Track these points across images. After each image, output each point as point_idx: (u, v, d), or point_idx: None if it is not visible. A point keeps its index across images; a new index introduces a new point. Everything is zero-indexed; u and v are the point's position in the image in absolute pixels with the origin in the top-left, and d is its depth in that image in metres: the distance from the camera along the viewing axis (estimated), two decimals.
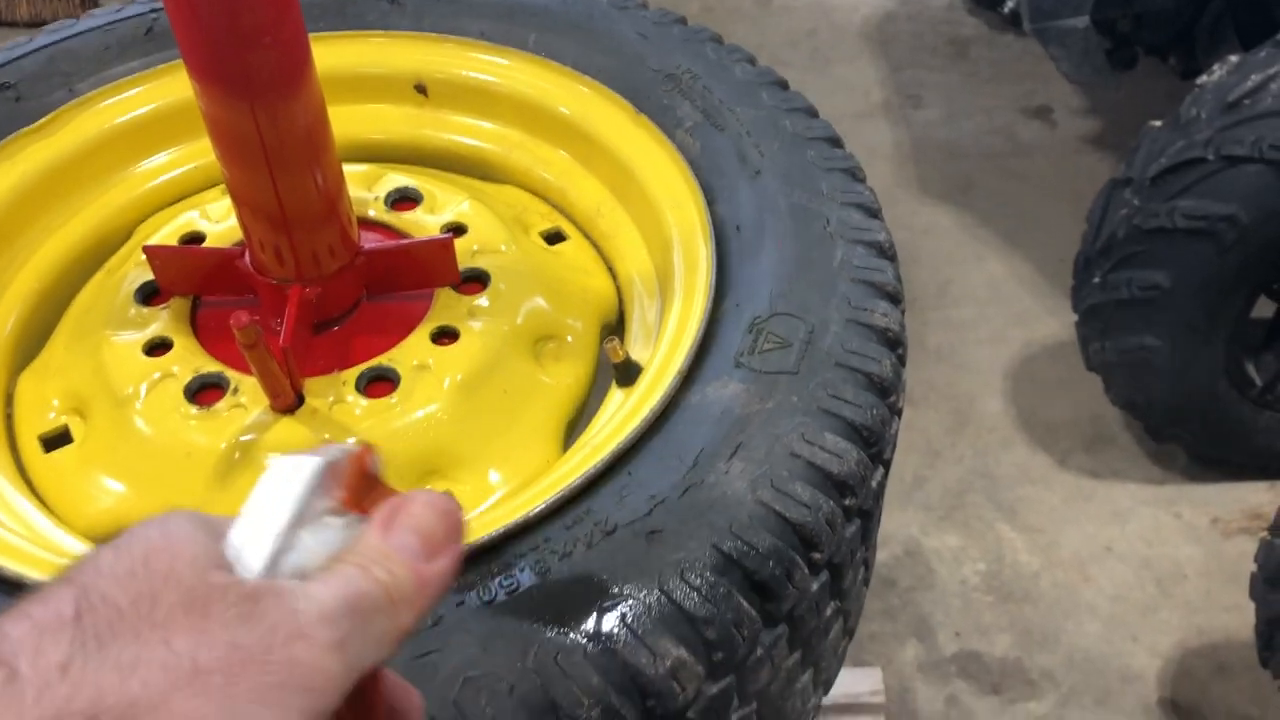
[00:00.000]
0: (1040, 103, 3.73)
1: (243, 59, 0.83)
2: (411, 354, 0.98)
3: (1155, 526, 2.52)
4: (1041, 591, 2.46)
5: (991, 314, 3.08)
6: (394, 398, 0.95)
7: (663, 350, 0.96)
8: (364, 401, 0.95)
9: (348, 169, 1.14)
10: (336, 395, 0.95)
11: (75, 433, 0.98)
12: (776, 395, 0.86)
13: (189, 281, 1.03)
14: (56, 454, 0.97)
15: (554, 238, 1.18)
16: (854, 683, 1.98)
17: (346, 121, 1.24)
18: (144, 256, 1.02)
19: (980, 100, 3.72)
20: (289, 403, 0.93)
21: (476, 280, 1.06)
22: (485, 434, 0.96)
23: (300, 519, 0.44)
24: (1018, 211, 3.40)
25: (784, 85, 1.16)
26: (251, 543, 0.43)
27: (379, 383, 0.97)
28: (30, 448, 0.98)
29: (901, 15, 4.04)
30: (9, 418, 1.01)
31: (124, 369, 0.97)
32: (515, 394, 0.98)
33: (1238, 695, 2.20)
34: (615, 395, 1.00)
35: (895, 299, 0.96)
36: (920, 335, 3.05)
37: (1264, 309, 2.31)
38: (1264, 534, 1.93)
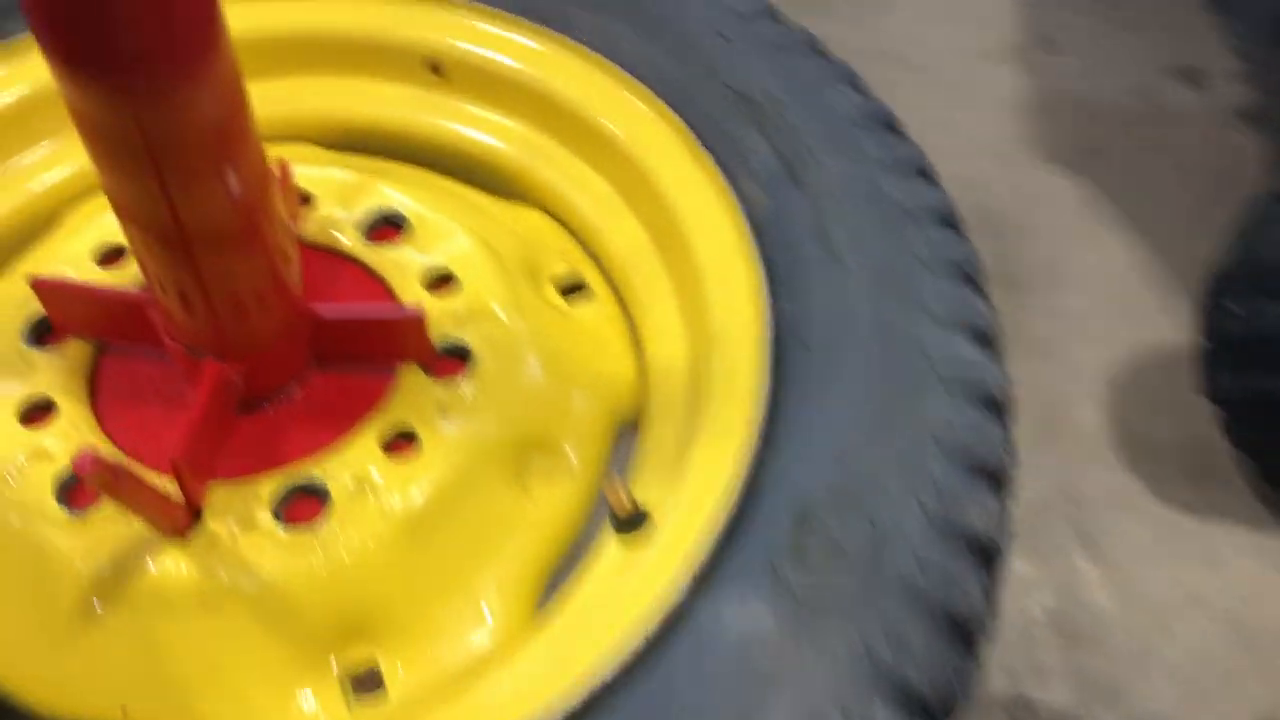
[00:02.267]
0: (1192, 63, 3.30)
1: (107, 30, 0.56)
2: (351, 463, 0.75)
3: (1255, 582, 2.24)
4: (1113, 638, 2.21)
5: (1102, 307, 2.75)
6: (318, 527, 0.72)
7: (679, 508, 0.72)
8: (280, 529, 0.72)
9: (322, 173, 0.90)
10: (245, 516, 0.72)
11: None
12: (816, 638, 0.61)
13: (88, 324, 0.80)
14: None
15: (573, 289, 0.92)
16: None
17: (338, 95, 0.99)
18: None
19: (1125, 52, 3.29)
20: (180, 526, 0.71)
21: (457, 356, 0.81)
22: (434, 588, 0.73)
23: None
24: (1150, 188, 3.01)
25: (893, 126, 0.88)
26: None
27: (304, 499, 0.74)
28: None
29: None
30: None
31: None
32: (483, 532, 0.75)
33: None
34: (610, 542, 0.76)
35: (999, 481, 0.71)
36: (1017, 322, 2.74)
37: None
38: None
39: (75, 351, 0.80)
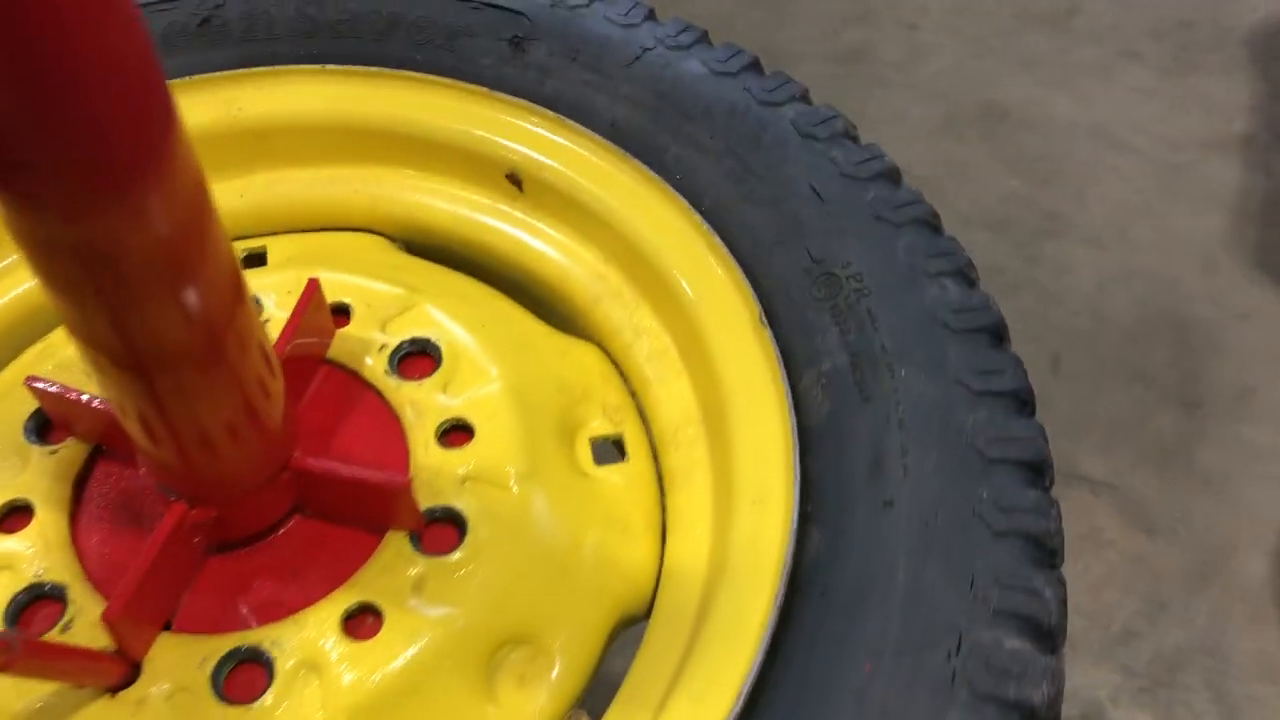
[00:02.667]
0: None
1: (34, 134, 0.48)
2: (303, 637, 0.69)
3: None
4: None
5: None
6: (254, 707, 0.66)
7: None
8: (213, 700, 0.67)
9: (368, 285, 0.84)
10: (182, 680, 0.67)
11: None
12: None
13: (81, 426, 0.76)
14: None
15: (609, 450, 0.84)
16: None
17: (415, 192, 0.94)
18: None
19: None
20: (113, 682, 0.67)
21: (451, 523, 0.74)
22: None
23: None
24: None
25: (998, 337, 0.75)
26: None
27: (249, 668, 0.69)
28: None
29: None
30: None
31: None
32: None
33: None
34: None
35: None
36: (1192, 448, 2.49)
37: None
38: None
39: (70, 453, 0.77)
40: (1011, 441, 0.69)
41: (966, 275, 0.79)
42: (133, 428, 0.66)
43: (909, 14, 3.15)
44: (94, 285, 0.55)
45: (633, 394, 0.86)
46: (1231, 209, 2.94)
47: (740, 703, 0.62)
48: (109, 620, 0.64)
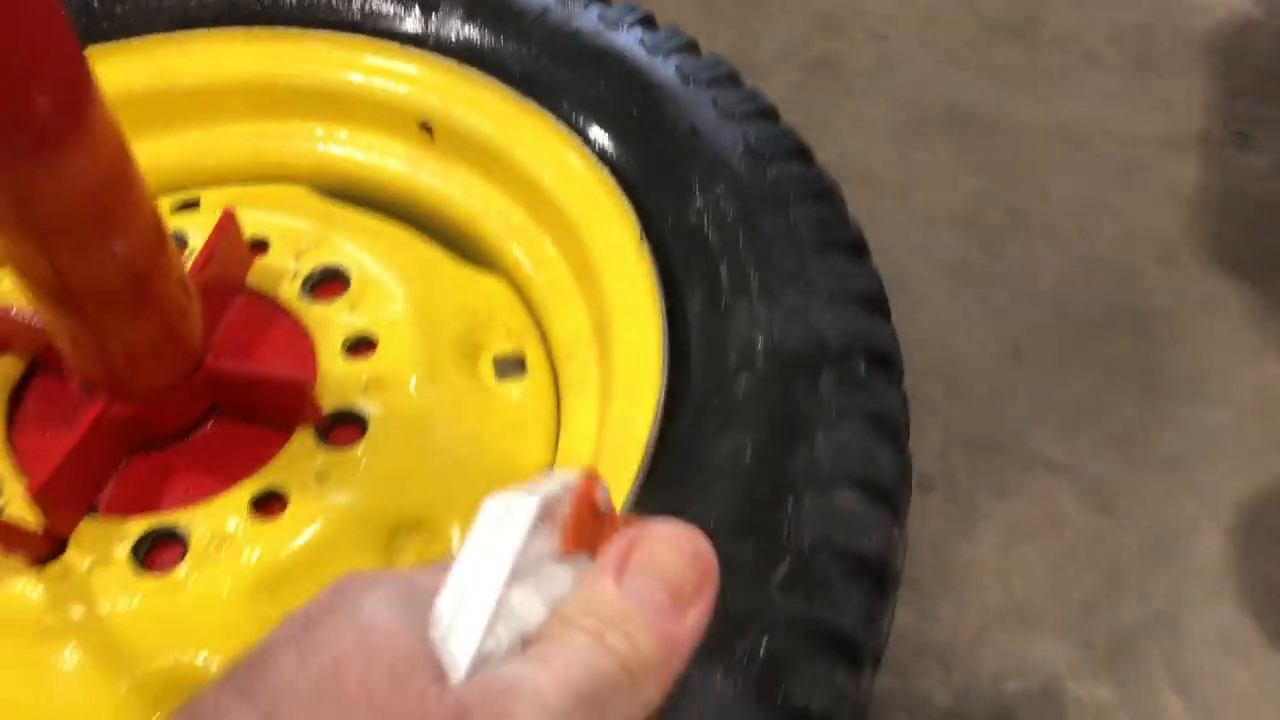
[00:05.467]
0: None
1: None
2: (215, 516, 0.76)
3: None
4: None
5: (1249, 429, 2.51)
6: (170, 576, 0.73)
7: None
8: (133, 569, 0.74)
9: (284, 221, 0.92)
10: (105, 553, 0.74)
11: None
12: None
13: (18, 342, 0.84)
14: None
15: (511, 366, 0.91)
16: None
17: (333, 143, 1.01)
18: None
19: None
20: (38, 555, 0.74)
21: (354, 422, 0.81)
22: None
23: (518, 574, 0.35)
24: None
25: (857, 251, 0.82)
26: (461, 620, 0.34)
27: (167, 544, 0.76)
28: None
29: (1265, 28, 3.34)
30: None
31: None
32: None
33: None
34: None
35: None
36: (1150, 433, 2.54)
37: None
38: None
39: (7, 367, 0.84)
40: (860, 336, 0.76)
41: (833, 201, 0.86)
42: (62, 344, 0.73)
43: (879, 25, 3.22)
44: (23, 229, 0.63)
45: (535, 318, 0.94)
46: (1187, 203, 3.00)
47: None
48: (32, 494, 0.71)
